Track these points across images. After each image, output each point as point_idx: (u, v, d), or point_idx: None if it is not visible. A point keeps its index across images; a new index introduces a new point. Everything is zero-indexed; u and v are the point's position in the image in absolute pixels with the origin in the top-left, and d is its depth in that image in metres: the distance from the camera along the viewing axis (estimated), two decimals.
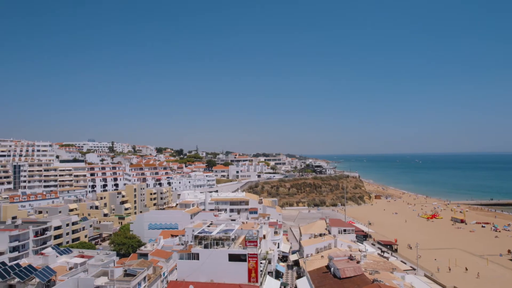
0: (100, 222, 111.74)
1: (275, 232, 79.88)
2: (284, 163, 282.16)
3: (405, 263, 71.98)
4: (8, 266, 40.41)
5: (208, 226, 60.33)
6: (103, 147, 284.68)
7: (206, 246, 51.60)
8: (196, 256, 50.67)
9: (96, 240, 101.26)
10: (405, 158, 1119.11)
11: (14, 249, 71.70)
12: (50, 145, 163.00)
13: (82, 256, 60.29)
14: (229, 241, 53.33)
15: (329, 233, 76.78)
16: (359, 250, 65.81)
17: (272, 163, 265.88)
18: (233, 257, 49.74)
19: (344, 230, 76.38)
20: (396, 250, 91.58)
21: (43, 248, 74.39)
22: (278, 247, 76.42)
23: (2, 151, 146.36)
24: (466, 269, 75.76)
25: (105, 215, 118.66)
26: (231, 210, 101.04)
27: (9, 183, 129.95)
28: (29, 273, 38.54)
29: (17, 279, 38.15)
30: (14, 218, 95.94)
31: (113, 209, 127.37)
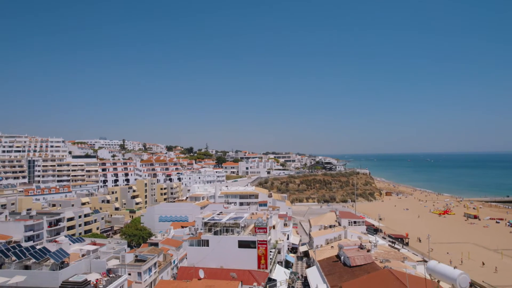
0: (111, 215, 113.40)
1: (285, 224, 79.85)
2: (293, 161, 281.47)
3: (416, 255, 71.09)
4: (23, 247, 41.43)
5: (218, 215, 60.69)
6: (114, 145, 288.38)
7: (216, 233, 51.93)
8: (205, 243, 51.04)
9: (108, 233, 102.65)
10: (416, 157, 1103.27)
11: (29, 239, 73.36)
12: (63, 141, 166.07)
13: (94, 244, 61.26)
14: (239, 229, 53.64)
15: (339, 225, 76.35)
16: (369, 242, 65.26)
17: (281, 160, 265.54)
18: (243, 244, 49.96)
19: (354, 222, 75.85)
20: (407, 244, 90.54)
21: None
22: (288, 239, 76.35)
23: (17, 147, 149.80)
24: (483, 264, 74.35)
25: (116, 209, 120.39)
26: (241, 204, 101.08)
27: (24, 177, 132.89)
28: (43, 254, 39.41)
29: (32, 260, 39.05)
30: (29, 210, 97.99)
31: (124, 204, 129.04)
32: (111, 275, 39.83)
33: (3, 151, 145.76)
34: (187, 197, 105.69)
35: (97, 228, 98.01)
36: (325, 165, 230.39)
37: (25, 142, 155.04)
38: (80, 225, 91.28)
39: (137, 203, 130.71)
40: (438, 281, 11.72)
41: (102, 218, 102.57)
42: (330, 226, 74.87)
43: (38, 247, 55.82)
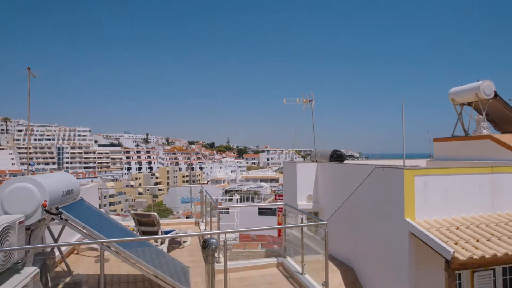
0: (134, 200, 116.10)
1: None
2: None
3: None
4: None
5: (239, 186, 60.74)
6: (138, 139, 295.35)
7: (236, 201, 51.86)
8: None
9: None
10: None
11: None
12: (89, 131, 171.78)
13: (118, 215, 62.88)
14: (259, 199, 53.34)
15: None
16: None
17: (302, 153, 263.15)
18: (263, 211, 49.53)
19: None
20: None
21: None
22: None
23: (48, 135, 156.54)
24: None
25: (140, 193, 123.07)
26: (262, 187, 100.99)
27: (53, 163, 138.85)
28: None
29: None
30: None
31: (147, 190, 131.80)
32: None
33: (35, 139, 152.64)
34: (208, 181, 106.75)
35: (121, 210, 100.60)
36: (347, 158, 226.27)
37: (54, 131, 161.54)
38: (105, 205, 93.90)
39: (159, 189, 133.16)
40: (462, 105, 10.77)
41: (126, 201, 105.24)
42: None
43: None
